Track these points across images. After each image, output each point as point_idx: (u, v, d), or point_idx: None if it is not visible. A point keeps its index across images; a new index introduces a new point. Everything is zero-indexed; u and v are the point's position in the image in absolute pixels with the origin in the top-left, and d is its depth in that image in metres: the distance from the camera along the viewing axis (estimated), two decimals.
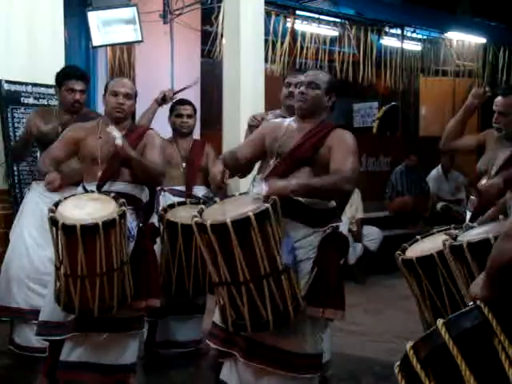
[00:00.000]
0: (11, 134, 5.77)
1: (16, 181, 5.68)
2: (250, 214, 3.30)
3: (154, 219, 4.92)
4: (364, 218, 8.73)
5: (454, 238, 3.20)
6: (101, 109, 8.39)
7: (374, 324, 6.30)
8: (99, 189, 4.26)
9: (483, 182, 4.14)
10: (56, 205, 4.05)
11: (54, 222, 3.93)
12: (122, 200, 4.07)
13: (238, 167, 3.97)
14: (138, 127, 4.54)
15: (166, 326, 5.07)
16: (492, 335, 1.88)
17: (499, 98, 4.26)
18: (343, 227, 8.05)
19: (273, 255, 3.40)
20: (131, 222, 4.21)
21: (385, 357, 5.17)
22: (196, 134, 5.35)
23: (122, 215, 3.99)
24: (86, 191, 4.31)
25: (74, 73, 5.15)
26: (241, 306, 3.43)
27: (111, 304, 4.06)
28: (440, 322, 1.93)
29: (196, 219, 3.39)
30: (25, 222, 5.05)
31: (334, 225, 3.74)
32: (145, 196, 4.43)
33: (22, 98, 5.88)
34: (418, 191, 9.60)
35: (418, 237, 3.97)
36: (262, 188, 3.47)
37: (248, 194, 3.68)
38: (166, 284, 4.87)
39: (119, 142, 4.12)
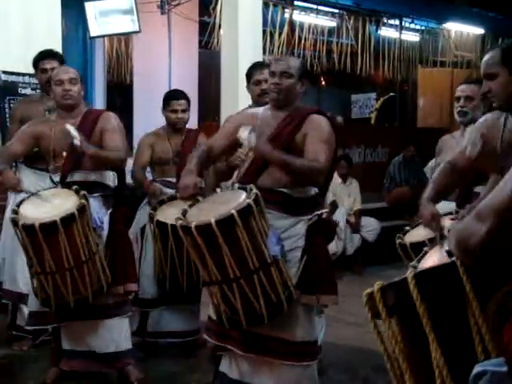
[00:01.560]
0: (8, 124, 5.75)
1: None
2: (233, 211, 3.28)
3: (147, 209, 4.94)
4: (362, 209, 8.73)
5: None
6: (100, 100, 8.42)
7: None
8: (63, 180, 4.26)
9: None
10: (18, 205, 4.06)
11: (15, 223, 3.95)
12: (82, 192, 4.06)
13: (212, 159, 3.94)
14: (93, 111, 4.52)
15: (159, 316, 5.07)
16: (464, 298, 1.80)
17: (464, 86, 4.44)
18: (341, 218, 8.16)
19: (260, 249, 3.41)
20: (98, 212, 4.22)
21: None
22: (193, 126, 5.31)
23: (82, 209, 3.98)
24: (53, 182, 4.35)
25: (46, 53, 5.16)
26: (234, 303, 3.44)
27: (86, 294, 4.08)
28: (411, 273, 1.85)
29: (180, 222, 3.37)
30: None
31: (319, 212, 3.77)
32: (112, 181, 4.44)
33: (19, 89, 5.88)
34: (416, 182, 9.59)
35: (407, 228, 4.00)
36: (251, 138, 3.49)
37: (231, 189, 3.64)
38: (160, 279, 4.89)
39: (77, 142, 4.09)
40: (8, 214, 5.26)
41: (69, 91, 4.30)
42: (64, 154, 4.28)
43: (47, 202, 4.07)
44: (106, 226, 4.29)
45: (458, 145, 4.29)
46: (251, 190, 3.46)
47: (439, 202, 3.52)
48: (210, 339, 3.81)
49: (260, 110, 3.90)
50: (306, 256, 3.69)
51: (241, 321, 3.47)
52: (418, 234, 3.83)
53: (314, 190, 3.79)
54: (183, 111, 5.19)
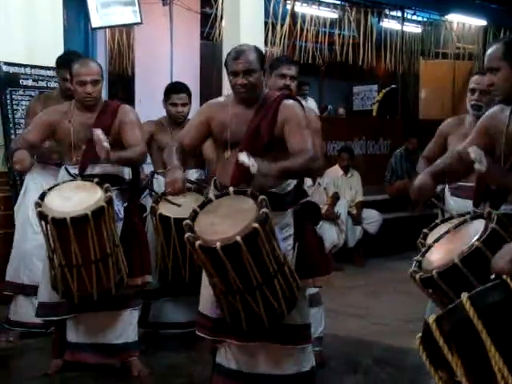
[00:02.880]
0: (10, 116, 5.75)
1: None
2: (256, 225, 3.22)
3: (149, 201, 4.93)
4: (363, 201, 8.74)
5: (419, 265, 2.96)
6: (102, 91, 8.38)
7: (373, 307, 6.31)
8: (82, 172, 4.26)
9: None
10: (41, 197, 4.04)
11: (42, 216, 3.93)
12: (106, 185, 4.07)
13: (185, 156, 3.87)
14: (111, 104, 4.51)
15: (161, 307, 5.08)
16: None
17: (480, 77, 4.30)
18: (342, 210, 8.16)
19: (276, 252, 3.41)
20: (117, 205, 4.23)
21: (384, 339, 5.19)
22: None
23: (109, 201, 4.00)
24: (69, 174, 4.32)
25: (70, 61, 5.03)
26: (256, 308, 3.42)
27: (109, 286, 4.09)
28: (465, 295, 1.88)
29: (199, 242, 3.23)
30: (30, 203, 5.08)
31: (304, 201, 3.86)
32: (127, 174, 4.45)
33: (20, 80, 5.87)
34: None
35: (426, 230, 3.87)
36: (250, 162, 3.37)
37: (229, 196, 3.53)
38: (162, 271, 4.88)
39: (107, 145, 4.05)
40: (17, 207, 5.28)
41: (91, 94, 4.29)
42: (83, 147, 4.28)
43: (72, 195, 4.06)
44: (122, 217, 4.32)
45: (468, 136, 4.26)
46: (254, 194, 3.41)
47: (439, 181, 3.46)
48: (204, 335, 3.83)
49: (227, 101, 3.82)
50: (298, 242, 3.74)
51: (263, 322, 3.48)
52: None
53: (295, 180, 3.82)
54: (183, 105, 5.18)
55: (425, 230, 3.81)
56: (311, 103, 9.26)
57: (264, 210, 3.30)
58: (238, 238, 3.18)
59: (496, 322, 1.86)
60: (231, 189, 3.52)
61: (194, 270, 4.81)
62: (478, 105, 4.30)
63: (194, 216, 3.46)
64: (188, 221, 3.41)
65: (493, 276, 1.96)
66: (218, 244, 3.18)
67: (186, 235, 3.31)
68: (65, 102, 5.03)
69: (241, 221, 3.29)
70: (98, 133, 4.08)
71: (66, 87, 5.04)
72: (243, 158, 3.39)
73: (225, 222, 3.37)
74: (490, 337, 1.84)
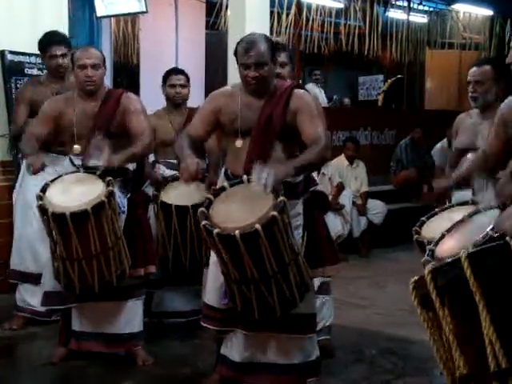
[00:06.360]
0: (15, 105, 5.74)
1: (20, 152, 5.65)
2: (275, 213, 3.22)
3: (150, 190, 4.92)
4: (368, 192, 8.72)
5: (432, 254, 3.01)
6: (107, 80, 8.38)
7: (377, 297, 6.32)
8: (85, 163, 4.22)
9: (469, 156, 4.20)
10: (43, 190, 4.02)
11: (43, 210, 3.92)
12: (108, 178, 4.04)
13: (196, 148, 3.82)
14: (114, 92, 4.47)
15: (163, 296, 5.09)
16: None
17: (474, 69, 4.32)
18: (347, 200, 8.16)
19: (291, 241, 3.41)
20: (120, 197, 4.21)
21: (388, 329, 5.19)
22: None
23: (110, 195, 3.97)
24: (73, 164, 4.30)
25: (54, 39, 5.17)
26: (269, 297, 3.41)
27: (111, 278, 4.09)
28: (464, 253, 1.85)
29: (217, 230, 3.21)
30: (28, 190, 5.08)
31: (313, 189, 3.91)
32: (132, 165, 4.42)
33: (25, 69, 5.85)
34: (423, 165, 9.58)
35: (423, 218, 3.86)
36: (266, 177, 3.29)
37: (243, 185, 3.50)
38: (162, 259, 4.88)
39: (105, 163, 4.06)
40: (16, 194, 5.29)
41: (91, 77, 4.26)
42: (87, 136, 4.27)
43: (73, 188, 4.04)
44: (125, 209, 4.30)
45: (476, 128, 4.25)
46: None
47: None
48: (212, 327, 3.84)
49: (236, 90, 3.79)
50: (307, 232, 3.74)
51: (275, 311, 3.47)
52: (439, 226, 3.66)
53: None
54: (182, 86, 5.18)
55: (422, 218, 3.82)
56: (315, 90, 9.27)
57: (281, 198, 3.29)
58: (258, 226, 3.17)
59: (492, 284, 1.84)
60: (245, 177, 3.50)
61: (194, 258, 4.83)
62: (473, 96, 4.30)
63: (208, 204, 3.43)
64: (203, 208, 3.38)
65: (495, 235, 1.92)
66: (237, 232, 3.17)
67: (202, 223, 3.28)
68: (55, 83, 5.11)
69: (258, 209, 3.27)
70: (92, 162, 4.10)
71: (57, 64, 5.10)
72: (257, 188, 3.33)
73: (242, 210, 3.36)
74: (484, 298, 1.81)
